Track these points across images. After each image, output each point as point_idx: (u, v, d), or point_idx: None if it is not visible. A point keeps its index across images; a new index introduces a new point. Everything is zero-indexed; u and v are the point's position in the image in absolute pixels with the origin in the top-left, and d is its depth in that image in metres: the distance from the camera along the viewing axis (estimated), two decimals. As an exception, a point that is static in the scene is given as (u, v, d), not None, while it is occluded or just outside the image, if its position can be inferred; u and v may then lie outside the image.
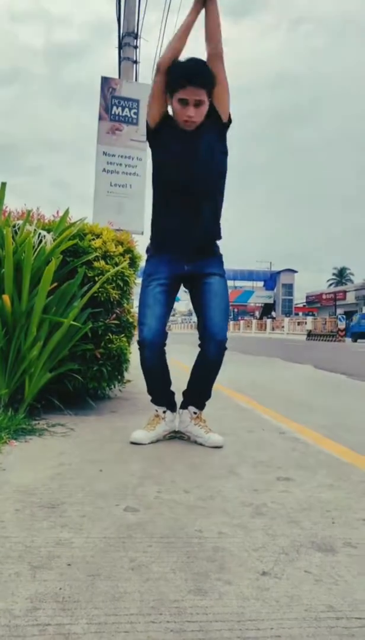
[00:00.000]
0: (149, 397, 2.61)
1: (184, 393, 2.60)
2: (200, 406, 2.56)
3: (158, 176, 2.46)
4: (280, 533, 1.43)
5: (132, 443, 2.40)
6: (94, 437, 2.53)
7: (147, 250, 2.57)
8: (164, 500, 1.66)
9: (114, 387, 3.62)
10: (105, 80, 8.24)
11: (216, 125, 2.41)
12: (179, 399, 2.61)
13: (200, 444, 2.45)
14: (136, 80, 9.65)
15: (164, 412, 2.55)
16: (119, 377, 3.45)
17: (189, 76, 2.23)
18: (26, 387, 2.80)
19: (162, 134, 2.40)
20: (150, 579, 1.15)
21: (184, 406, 2.57)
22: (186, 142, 2.35)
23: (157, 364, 2.48)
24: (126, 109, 8.26)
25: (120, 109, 8.22)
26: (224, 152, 2.47)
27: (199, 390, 2.56)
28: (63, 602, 1.04)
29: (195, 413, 2.54)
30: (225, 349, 2.46)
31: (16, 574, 1.15)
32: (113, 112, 8.20)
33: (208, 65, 2.30)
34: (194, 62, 2.28)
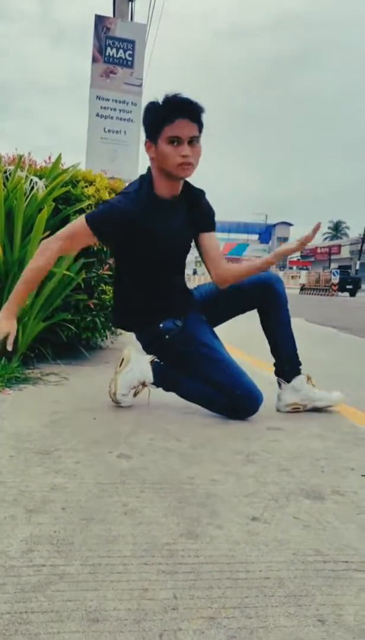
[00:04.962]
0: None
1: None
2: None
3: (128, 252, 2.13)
4: (270, 480, 1.46)
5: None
6: (88, 387, 2.54)
7: None
8: (156, 448, 1.69)
9: (107, 338, 3.63)
10: (99, 19, 7.86)
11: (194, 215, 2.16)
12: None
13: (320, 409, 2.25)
14: (131, 19, 9.23)
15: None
16: (112, 328, 3.45)
17: (179, 107, 1.89)
18: (20, 336, 2.79)
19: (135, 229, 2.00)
20: (142, 523, 1.17)
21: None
22: (165, 216, 2.06)
23: None
24: (121, 51, 7.92)
25: (114, 50, 7.88)
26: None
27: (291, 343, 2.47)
28: (58, 545, 1.06)
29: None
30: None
31: (11, 517, 1.17)
32: (107, 54, 7.87)
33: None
34: (182, 95, 1.92)
